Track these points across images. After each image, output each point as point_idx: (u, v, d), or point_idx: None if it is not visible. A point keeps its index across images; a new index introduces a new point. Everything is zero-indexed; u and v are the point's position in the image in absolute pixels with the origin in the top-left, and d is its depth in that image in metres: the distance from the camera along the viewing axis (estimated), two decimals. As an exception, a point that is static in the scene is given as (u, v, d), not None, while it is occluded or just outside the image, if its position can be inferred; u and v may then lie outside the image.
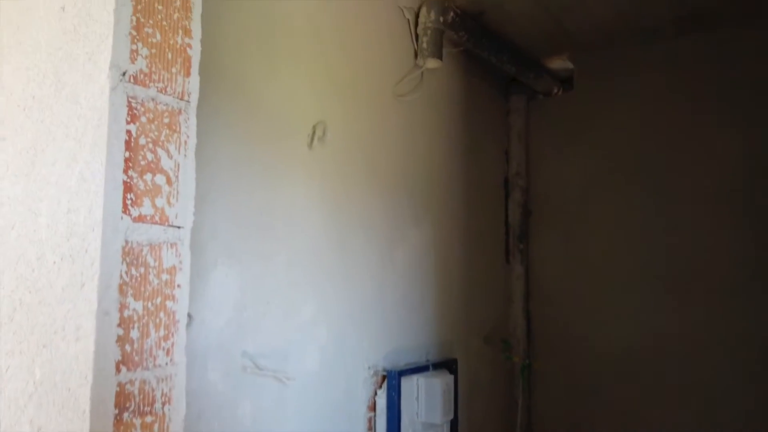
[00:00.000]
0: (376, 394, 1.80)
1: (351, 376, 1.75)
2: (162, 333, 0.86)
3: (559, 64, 2.48)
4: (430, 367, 1.91)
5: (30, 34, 0.96)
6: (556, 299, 2.57)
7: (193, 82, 0.97)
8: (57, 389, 0.81)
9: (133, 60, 0.87)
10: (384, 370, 1.82)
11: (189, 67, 0.96)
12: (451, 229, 2.28)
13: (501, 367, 2.54)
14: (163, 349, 0.86)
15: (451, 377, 1.89)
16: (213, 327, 1.36)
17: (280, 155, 1.61)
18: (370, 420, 1.78)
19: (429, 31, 2.04)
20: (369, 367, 1.81)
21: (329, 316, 1.73)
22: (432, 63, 2.06)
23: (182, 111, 0.94)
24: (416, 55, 2.10)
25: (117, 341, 0.80)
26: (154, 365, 0.84)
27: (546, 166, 2.65)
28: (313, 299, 1.69)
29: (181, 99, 0.94)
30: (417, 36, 2.08)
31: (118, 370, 0.80)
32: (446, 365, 1.98)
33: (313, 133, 1.74)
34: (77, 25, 0.90)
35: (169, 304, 0.88)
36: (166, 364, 0.86)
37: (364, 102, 1.89)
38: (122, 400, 0.79)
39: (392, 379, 1.75)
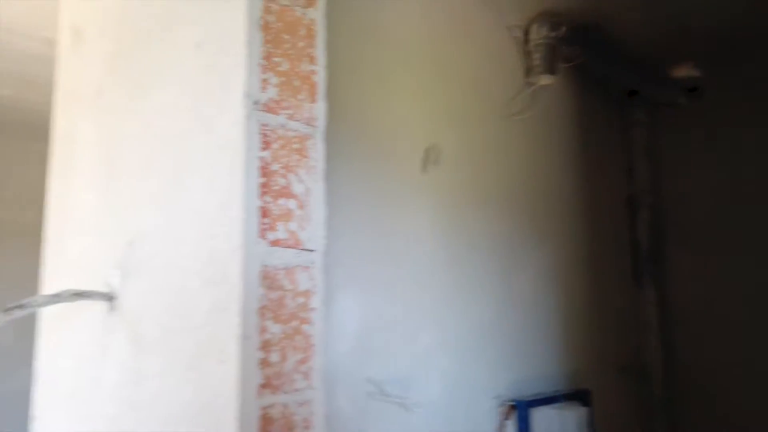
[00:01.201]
0: (502, 425, 1.71)
1: (475, 404, 1.68)
2: (299, 356, 0.86)
3: (684, 72, 2.31)
4: (561, 398, 1.78)
5: (170, 73, 1.03)
6: (698, 326, 2.34)
7: (320, 107, 0.98)
8: (204, 411, 0.82)
9: (264, 89, 0.90)
10: (510, 400, 1.73)
11: (315, 93, 0.97)
12: (574, 251, 2.16)
13: (638, 400, 2.34)
14: (302, 372, 0.85)
15: (585, 410, 1.75)
16: (338, 353, 1.36)
17: (394, 180, 1.60)
18: (498, 453, 1.69)
19: (541, 48, 1.98)
20: (494, 397, 1.72)
21: (449, 343, 1.68)
22: (545, 80, 1.98)
23: (310, 136, 0.95)
24: (527, 73, 2.04)
25: (259, 364, 0.81)
26: (294, 389, 0.84)
27: (676, 181, 2.46)
28: (432, 326, 1.65)
29: (309, 125, 0.95)
30: (527, 53, 2.02)
31: (260, 393, 0.80)
32: (577, 396, 1.85)
33: (426, 156, 1.72)
34: (212, 59, 0.94)
35: (305, 327, 0.87)
36: (305, 388, 0.85)
37: (476, 123, 1.85)
38: (266, 423, 0.79)
39: (522, 410, 1.65)
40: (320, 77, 0.98)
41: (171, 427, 0.87)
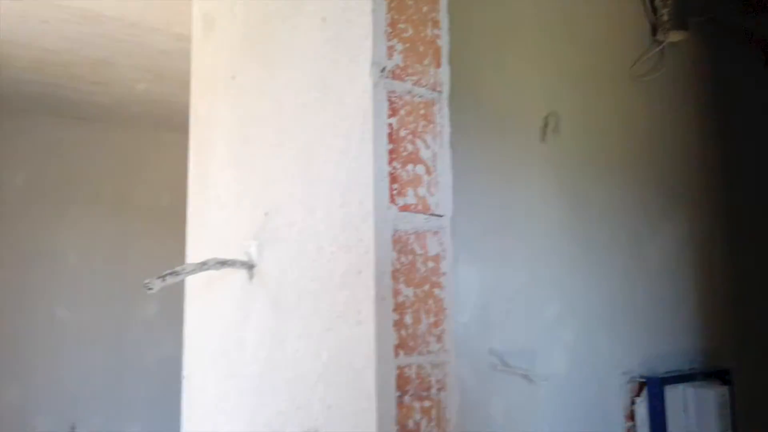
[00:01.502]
0: (633, 402, 1.63)
1: (602, 380, 1.62)
2: (432, 320, 0.87)
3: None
4: (698, 376, 1.67)
5: (297, 49, 1.07)
6: None
7: (444, 72, 0.97)
8: (343, 371, 0.86)
9: (390, 56, 0.91)
10: (641, 376, 1.65)
11: (439, 57, 0.97)
12: (711, 220, 2.00)
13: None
14: (435, 335, 0.86)
15: (726, 389, 1.63)
16: (459, 323, 1.36)
17: (512, 150, 1.56)
18: (629, 430, 1.62)
19: (669, 1, 1.83)
20: (623, 373, 1.65)
21: (575, 316, 1.62)
22: (675, 36, 1.84)
23: (436, 102, 0.95)
24: (654, 30, 1.89)
25: (394, 326, 0.83)
26: (428, 351, 0.85)
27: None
28: (556, 298, 1.60)
29: (434, 90, 0.95)
30: (654, 8, 1.88)
31: (396, 354, 0.82)
32: (716, 375, 1.72)
33: (546, 125, 1.66)
34: (338, 32, 0.97)
35: (436, 291, 0.88)
36: (439, 350, 0.86)
37: (599, 87, 1.76)
38: (402, 383, 0.81)
39: (654, 387, 1.57)
40: (444, 41, 0.98)
41: (311, 385, 0.92)
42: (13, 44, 2.63)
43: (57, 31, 2.49)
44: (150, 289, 1.02)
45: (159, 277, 1.04)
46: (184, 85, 3.20)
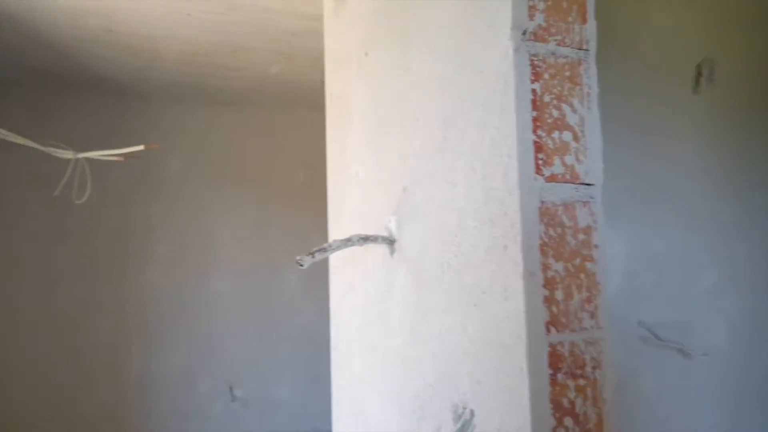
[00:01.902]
0: (813, 383, 1.46)
1: (772, 358, 1.46)
2: (584, 295, 0.82)
3: None
4: None
5: (430, 20, 1.04)
6: None
7: (590, 29, 0.90)
8: (491, 346, 0.84)
9: (531, 17, 0.85)
10: (823, 354, 1.46)
11: (585, 13, 0.89)
12: None
13: None
14: (588, 311, 0.82)
15: None
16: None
17: (657, 104, 1.43)
18: (808, 415, 1.45)
19: None
20: (802, 351, 1.48)
21: (736, 285, 1.47)
22: None
23: (582, 61, 0.88)
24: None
25: (544, 302, 0.80)
26: (581, 328, 0.81)
27: None
28: (713, 265, 1.46)
29: (580, 49, 0.89)
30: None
31: (548, 330, 0.79)
32: None
33: (699, 73, 1.50)
34: (474, -3, 0.93)
35: (588, 265, 0.83)
36: (593, 327, 0.82)
37: (759, 29, 1.55)
38: (555, 360, 0.78)
39: (841, 367, 1.39)
40: (588, -5, 0.90)
41: (458, 359, 0.92)
42: (163, 39, 2.86)
43: (199, 22, 2.66)
44: (301, 265, 1.08)
45: (309, 254, 1.09)
46: (314, 64, 3.30)
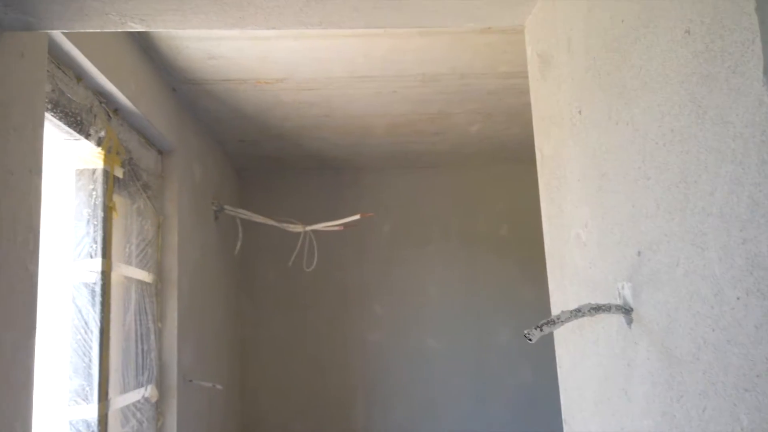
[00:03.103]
0: None
1: None
2: None
3: None
4: None
5: (655, 71, 0.97)
6: None
7: None
8: (778, 444, 0.71)
9: None
10: None
11: None
12: None
13: None
14: None
15: None
16: None
17: None
18: None
19: None
20: None
21: None
22: None
23: None
24: None
25: None
26: None
27: None
28: None
29: None
30: None
31: None
32: None
33: None
34: (708, 42, 0.84)
35: None
36: None
37: None
38: None
39: None
40: None
41: (734, 454, 0.79)
42: (372, 116, 3.11)
43: (403, 98, 2.85)
44: (530, 340, 1.04)
45: (536, 327, 1.05)
46: (513, 118, 3.29)
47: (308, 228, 3.35)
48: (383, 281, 4.04)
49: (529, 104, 3.00)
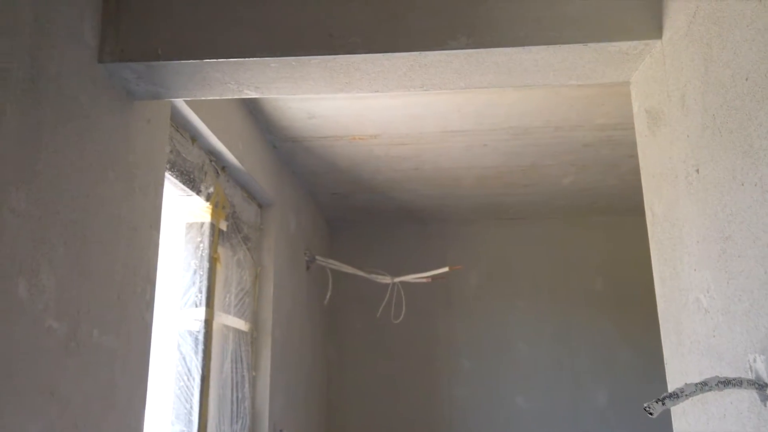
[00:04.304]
0: None
1: None
2: None
3: None
4: None
5: (788, 131, 0.91)
6: None
7: None
8: None
9: None
10: None
11: None
12: None
13: None
14: None
15: None
16: None
17: None
18: None
19: None
20: None
21: None
22: None
23: None
24: None
25: None
26: None
27: None
28: None
29: None
30: None
31: None
32: None
33: None
34: None
35: None
36: None
37: None
38: None
39: None
40: None
41: None
42: (462, 168, 3.12)
43: (494, 150, 2.85)
44: (651, 414, 0.97)
45: (657, 401, 0.98)
46: (608, 170, 3.20)
47: (396, 279, 3.36)
48: (471, 335, 3.95)
49: (626, 156, 2.91)
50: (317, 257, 3.43)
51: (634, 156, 2.94)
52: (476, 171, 3.16)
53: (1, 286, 1.00)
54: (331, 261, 3.49)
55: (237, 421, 2.43)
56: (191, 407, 2.04)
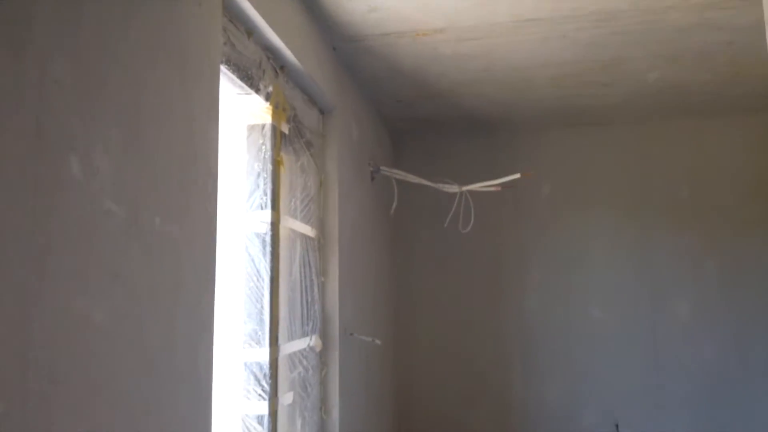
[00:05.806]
0: None
1: None
2: None
3: None
4: None
5: None
6: None
7: None
8: None
9: None
10: None
11: None
12: None
13: None
14: None
15: None
16: None
17: None
18: None
19: None
20: None
21: None
22: None
23: None
24: None
25: None
26: None
27: None
28: None
29: None
30: None
31: None
32: None
33: None
34: None
35: None
36: None
37: None
38: None
39: None
40: None
41: None
42: (536, 67, 2.88)
43: (573, 42, 2.59)
44: None
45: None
46: (702, 62, 2.88)
47: (464, 188, 3.24)
48: (542, 245, 3.82)
49: (725, 43, 2.58)
50: (382, 168, 3.34)
51: (734, 42, 2.60)
52: (551, 70, 2.91)
53: (52, 162, 0.97)
54: (396, 171, 3.40)
55: (308, 323, 2.46)
56: (262, 307, 2.06)
